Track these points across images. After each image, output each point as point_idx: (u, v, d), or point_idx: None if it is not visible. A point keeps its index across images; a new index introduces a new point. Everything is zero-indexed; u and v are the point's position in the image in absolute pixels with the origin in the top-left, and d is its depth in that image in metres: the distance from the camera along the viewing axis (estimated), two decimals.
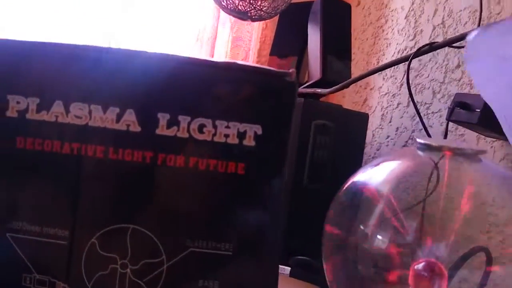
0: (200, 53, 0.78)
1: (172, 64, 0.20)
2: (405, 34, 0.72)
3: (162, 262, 0.21)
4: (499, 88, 0.24)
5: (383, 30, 0.78)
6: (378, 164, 0.28)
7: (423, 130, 0.51)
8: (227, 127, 0.21)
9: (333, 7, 0.64)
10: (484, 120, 0.45)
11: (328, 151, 0.56)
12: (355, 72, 0.80)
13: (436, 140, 0.27)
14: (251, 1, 0.66)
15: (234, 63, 0.21)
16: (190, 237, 0.21)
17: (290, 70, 0.21)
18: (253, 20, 0.68)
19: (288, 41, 0.73)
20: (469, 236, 0.28)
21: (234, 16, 0.68)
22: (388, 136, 0.73)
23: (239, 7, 0.66)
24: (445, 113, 0.60)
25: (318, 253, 0.35)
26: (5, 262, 0.21)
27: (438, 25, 0.66)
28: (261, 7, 0.67)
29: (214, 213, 0.21)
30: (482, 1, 0.56)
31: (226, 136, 0.21)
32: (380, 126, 0.75)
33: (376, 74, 0.76)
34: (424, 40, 0.68)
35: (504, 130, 0.24)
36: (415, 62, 0.67)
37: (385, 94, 0.75)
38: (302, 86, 0.62)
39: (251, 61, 0.82)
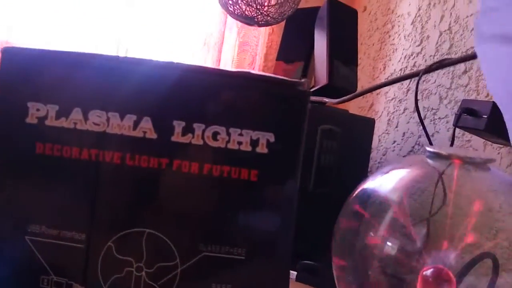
0: (207, 58, 0.79)
1: (187, 74, 0.21)
2: (412, 39, 0.72)
3: (176, 265, 0.21)
4: (502, 73, 0.23)
5: (389, 36, 0.78)
6: (387, 172, 0.29)
7: (431, 136, 0.51)
8: (241, 134, 0.21)
9: (340, 13, 0.65)
10: (491, 126, 0.45)
11: (334, 156, 0.56)
12: (361, 77, 0.80)
13: (446, 149, 0.28)
14: (258, 7, 0.66)
15: (248, 73, 0.21)
16: (204, 241, 0.21)
17: (303, 80, 0.21)
18: (260, 25, 0.69)
19: (294, 46, 0.74)
20: (476, 243, 0.28)
21: (241, 21, 0.68)
22: (394, 141, 0.73)
23: (246, 12, 0.67)
24: (451, 118, 0.60)
25: (324, 257, 0.35)
26: (23, 264, 0.22)
27: (445, 31, 0.66)
28: (268, 12, 0.67)
29: (227, 219, 0.21)
30: None
31: (240, 143, 0.21)
32: (387, 131, 0.75)
33: (382, 78, 0.77)
34: (430, 46, 0.68)
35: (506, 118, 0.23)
36: (421, 67, 0.67)
37: (392, 99, 0.75)
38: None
39: (257, 66, 0.83)
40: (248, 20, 0.67)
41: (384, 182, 0.28)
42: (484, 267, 0.28)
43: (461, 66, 0.62)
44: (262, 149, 0.21)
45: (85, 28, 0.66)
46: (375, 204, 0.27)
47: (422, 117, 0.65)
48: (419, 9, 0.72)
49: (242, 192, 0.21)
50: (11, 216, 0.22)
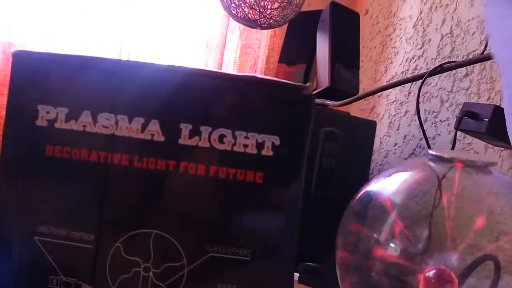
0: (209, 60, 0.79)
1: (195, 78, 0.21)
2: (413, 43, 0.73)
3: (183, 266, 0.22)
4: (507, 36, 0.22)
5: (391, 39, 0.78)
6: (390, 175, 0.29)
7: (432, 139, 0.51)
8: (246, 137, 0.21)
9: (342, 16, 0.65)
10: (492, 129, 0.45)
11: (335, 159, 0.56)
12: (363, 79, 0.81)
13: (447, 152, 0.28)
14: (261, 10, 0.67)
15: (254, 77, 0.22)
16: (210, 242, 0.22)
17: (308, 84, 0.21)
18: (263, 28, 0.70)
19: (296, 49, 0.74)
20: (478, 245, 0.28)
21: (243, 24, 0.69)
22: (395, 144, 0.73)
23: (249, 15, 0.68)
24: (453, 121, 0.60)
25: (327, 259, 0.35)
26: (33, 264, 0.22)
27: (446, 34, 0.67)
28: (271, 15, 0.68)
29: (233, 220, 0.22)
30: None
31: (245, 146, 0.22)
32: (388, 134, 0.75)
33: (384, 81, 0.77)
34: (432, 49, 0.69)
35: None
36: (423, 70, 0.68)
37: (393, 102, 0.75)
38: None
39: (259, 68, 0.83)
40: (251, 23, 0.68)
41: (387, 185, 0.28)
42: (486, 269, 0.28)
43: (463, 70, 0.62)
44: (267, 151, 0.22)
45: (88, 29, 0.66)
46: (378, 207, 0.28)
47: (423, 120, 0.65)
48: (421, 13, 0.72)
49: (248, 194, 0.22)
50: (20, 217, 0.22)
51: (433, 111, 0.67)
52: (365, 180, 0.62)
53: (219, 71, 0.21)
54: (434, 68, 0.48)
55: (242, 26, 0.77)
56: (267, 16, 0.68)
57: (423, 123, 0.51)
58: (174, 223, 0.22)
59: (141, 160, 0.21)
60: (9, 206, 0.22)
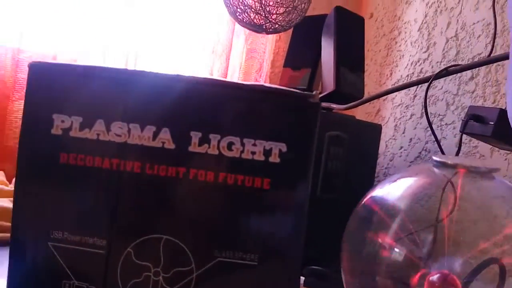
0: (215, 65, 0.80)
1: (204, 87, 0.22)
2: (418, 46, 0.73)
3: (191, 270, 0.22)
4: None
5: (396, 42, 0.79)
6: (395, 180, 0.29)
7: (436, 142, 0.52)
8: (254, 145, 0.22)
9: (347, 20, 0.66)
10: (498, 133, 0.45)
11: (341, 162, 0.56)
12: (368, 83, 0.81)
13: (451, 158, 0.28)
14: (267, 15, 0.68)
15: (262, 85, 0.22)
16: (218, 247, 0.22)
17: (314, 92, 0.22)
18: (268, 33, 0.70)
19: (301, 53, 0.75)
20: (483, 249, 0.28)
21: (249, 29, 0.70)
22: (401, 147, 0.73)
23: (255, 20, 0.68)
24: (458, 124, 0.60)
25: (332, 263, 0.36)
26: (46, 269, 0.23)
27: (452, 37, 0.67)
28: (276, 20, 0.69)
29: (241, 225, 0.22)
30: (495, 14, 0.57)
31: (253, 153, 0.22)
32: (393, 137, 0.75)
33: (389, 84, 0.77)
34: (437, 53, 0.69)
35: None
36: (428, 74, 0.68)
37: (399, 105, 0.76)
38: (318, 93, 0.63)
39: (264, 73, 0.84)
40: (257, 28, 0.68)
41: (392, 190, 0.29)
42: (491, 273, 0.28)
43: (468, 73, 0.63)
44: (274, 158, 0.22)
45: (95, 35, 0.67)
46: (382, 212, 0.28)
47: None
48: (426, 16, 0.72)
49: (255, 199, 0.22)
50: (35, 222, 0.23)
51: (439, 114, 0.67)
52: (371, 183, 0.62)
53: (228, 80, 0.22)
54: (439, 71, 0.48)
55: (247, 31, 0.78)
56: (273, 21, 0.69)
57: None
58: (183, 229, 0.22)
59: (152, 167, 0.22)
60: (24, 212, 0.23)
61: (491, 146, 0.54)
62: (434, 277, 0.26)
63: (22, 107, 0.22)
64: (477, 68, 0.61)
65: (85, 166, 0.22)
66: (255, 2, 0.66)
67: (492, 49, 0.52)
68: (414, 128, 0.72)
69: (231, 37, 0.81)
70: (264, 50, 0.83)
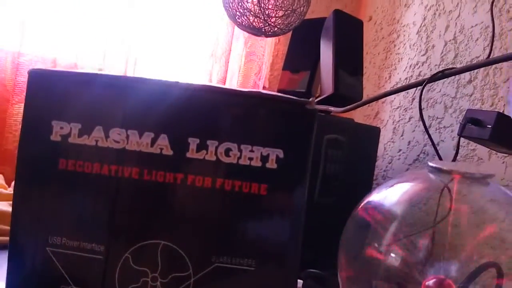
0: (214, 68, 0.80)
1: (202, 93, 0.22)
2: (417, 49, 0.73)
3: (189, 276, 0.22)
4: None
5: (394, 45, 0.79)
6: (392, 185, 0.30)
7: (436, 145, 0.52)
8: (251, 151, 0.22)
9: (345, 24, 0.66)
10: (496, 136, 0.45)
11: (339, 165, 0.57)
12: (367, 86, 0.81)
13: (447, 164, 0.29)
14: (266, 18, 0.68)
15: (258, 92, 0.22)
16: (216, 253, 0.22)
17: (310, 99, 0.22)
18: (267, 36, 0.70)
19: (300, 56, 0.75)
20: (479, 253, 0.28)
21: (248, 32, 0.70)
22: (400, 150, 0.73)
23: (254, 24, 0.69)
24: (456, 127, 0.61)
25: (330, 266, 0.36)
26: (44, 274, 0.23)
27: (450, 40, 0.67)
28: (275, 23, 0.69)
29: (238, 231, 0.23)
30: (493, 17, 0.57)
31: (250, 159, 0.22)
32: (392, 140, 0.76)
33: (388, 87, 0.78)
34: (435, 56, 0.69)
35: None
36: (427, 76, 0.68)
37: (397, 108, 0.76)
38: (315, 101, 0.64)
39: (264, 75, 0.84)
40: (256, 31, 0.69)
41: (389, 195, 0.29)
42: (488, 275, 0.28)
43: (466, 76, 0.63)
44: (271, 164, 0.22)
45: (95, 38, 0.67)
46: (379, 216, 0.28)
47: (427, 126, 0.66)
48: (424, 19, 0.73)
49: (253, 205, 0.23)
50: (34, 228, 0.23)
51: (437, 117, 0.67)
52: (369, 186, 0.62)
53: (225, 87, 0.22)
54: (434, 74, 0.48)
55: (247, 34, 0.78)
56: (272, 24, 0.69)
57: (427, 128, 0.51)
58: (181, 234, 0.22)
59: (150, 173, 0.22)
60: (23, 217, 0.23)
61: (489, 149, 0.55)
62: (430, 282, 0.26)
63: (22, 110, 0.23)
64: (475, 71, 0.61)
65: (84, 172, 0.22)
66: (254, 5, 0.66)
67: (490, 52, 0.52)
68: (412, 131, 0.72)
69: (230, 40, 0.81)
70: (263, 53, 0.84)
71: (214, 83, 0.77)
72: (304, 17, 0.69)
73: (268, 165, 0.22)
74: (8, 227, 0.23)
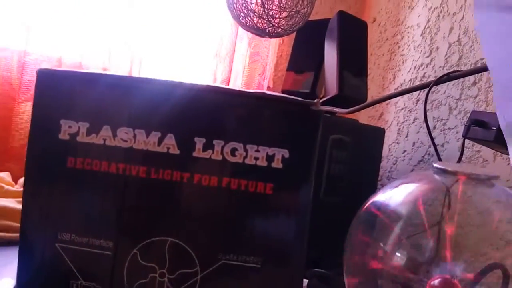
0: (219, 68, 0.81)
1: (208, 94, 0.23)
2: (421, 50, 0.73)
3: (196, 272, 0.23)
4: (496, 39, 0.22)
5: (399, 47, 0.79)
6: (397, 186, 0.30)
7: (441, 146, 0.52)
8: (257, 150, 0.22)
9: (350, 25, 0.66)
10: (501, 137, 0.45)
11: (344, 166, 0.57)
12: (371, 87, 0.81)
13: (452, 165, 0.29)
14: (270, 19, 0.68)
15: (264, 93, 0.23)
16: (222, 250, 0.23)
17: (315, 100, 0.22)
18: (271, 37, 0.71)
19: (305, 57, 0.75)
20: (484, 254, 0.29)
21: (252, 33, 0.70)
22: (404, 151, 0.73)
23: (258, 24, 0.69)
24: (461, 129, 0.61)
25: (335, 265, 0.36)
26: (54, 269, 0.23)
27: (454, 42, 0.67)
28: (279, 24, 0.69)
29: (244, 229, 0.23)
30: None
31: (256, 159, 0.23)
32: (397, 141, 0.76)
33: (392, 88, 0.78)
34: (440, 57, 0.69)
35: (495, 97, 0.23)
36: (431, 78, 0.68)
37: (402, 109, 0.76)
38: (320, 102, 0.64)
39: (268, 76, 0.84)
40: (260, 32, 0.69)
41: (394, 196, 0.29)
42: (493, 276, 0.28)
43: (471, 78, 0.63)
44: (277, 164, 0.23)
45: (100, 38, 0.68)
46: (384, 217, 0.28)
47: (432, 128, 0.66)
48: (428, 21, 0.73)
49: (258, 204, 0.23)
50: (43, 224, 0.23)
51: (442, 119, 0.67)
52: (374, 187, 0.62)
53: (231, 88, 0.22)
54: (440, 77, 0.48)
55: (250, 35, 0.79)
56: (276, 25, 0.69)
57: (431, 131, 0.51)
58: (188, 232, 0.23)
59: (157, 172, 0.22)
60: (33, 214, 0.23)
61: (494, 150, 0.55)
62: (436, 282, 0.26)
63: (28, 109, 0.23)
64: (480, 73, 0.61)
65: (92, 170, 0.23)
66: (258, 6, 0.66)
67: None
68: (417, 132, 0.72)
69: (234, 40, 0.81)
70: (268, 54, 0.84)
71: (219, 83, 0.78)
72: (308, 18, 0.69)
73: (273, 164, 0.23)
74: (17, 224, 0.24)
